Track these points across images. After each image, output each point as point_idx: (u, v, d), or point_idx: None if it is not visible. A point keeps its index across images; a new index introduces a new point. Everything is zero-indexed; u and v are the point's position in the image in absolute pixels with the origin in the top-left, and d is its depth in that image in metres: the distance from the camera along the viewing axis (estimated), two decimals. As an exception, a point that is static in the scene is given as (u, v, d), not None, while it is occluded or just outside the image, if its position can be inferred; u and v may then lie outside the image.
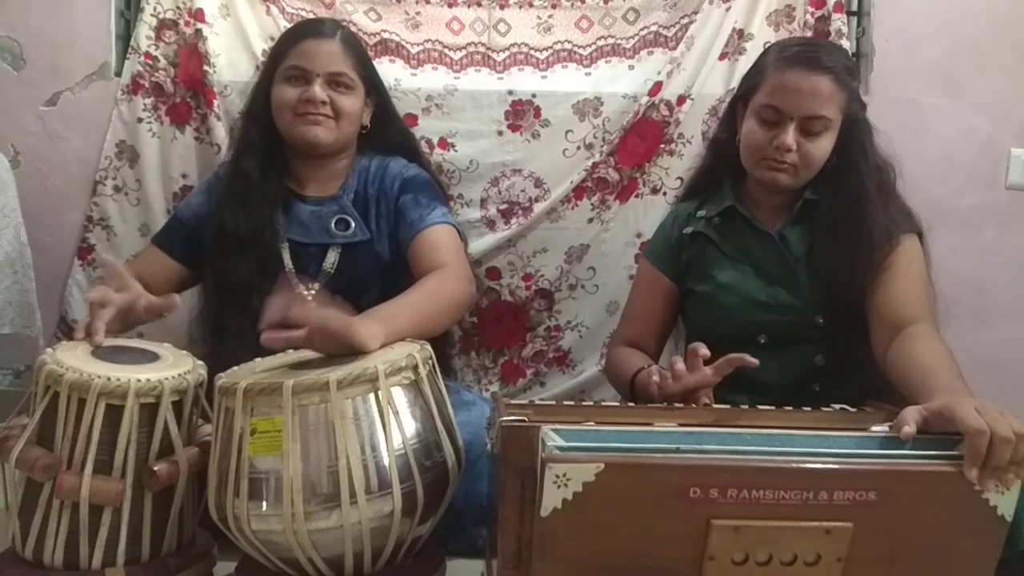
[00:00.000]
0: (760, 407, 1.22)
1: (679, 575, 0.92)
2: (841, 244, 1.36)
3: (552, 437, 0.93)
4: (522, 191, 1.98)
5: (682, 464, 0.91)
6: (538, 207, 1.97)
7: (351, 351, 1.17)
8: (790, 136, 1.35)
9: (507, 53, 2.01)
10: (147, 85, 1.97)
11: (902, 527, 0.91)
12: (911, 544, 0.92)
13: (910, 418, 0.96)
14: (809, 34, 1.93)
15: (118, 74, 1.99)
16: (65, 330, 1.97)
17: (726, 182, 1.51)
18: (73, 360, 1.17)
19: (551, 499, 0.89)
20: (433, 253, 1.49)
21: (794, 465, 0.91)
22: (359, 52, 1.61)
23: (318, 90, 1.53)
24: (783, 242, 1.43)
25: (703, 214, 1.51)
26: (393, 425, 1.10)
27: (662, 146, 1.98)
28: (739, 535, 0.90)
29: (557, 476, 0.88)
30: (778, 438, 0.98)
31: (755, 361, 1.21)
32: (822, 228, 1.40)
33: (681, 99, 1.95)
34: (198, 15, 1.94)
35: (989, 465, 0.90)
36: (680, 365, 1.24)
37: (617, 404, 1.37)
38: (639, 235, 2.00)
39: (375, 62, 1.70)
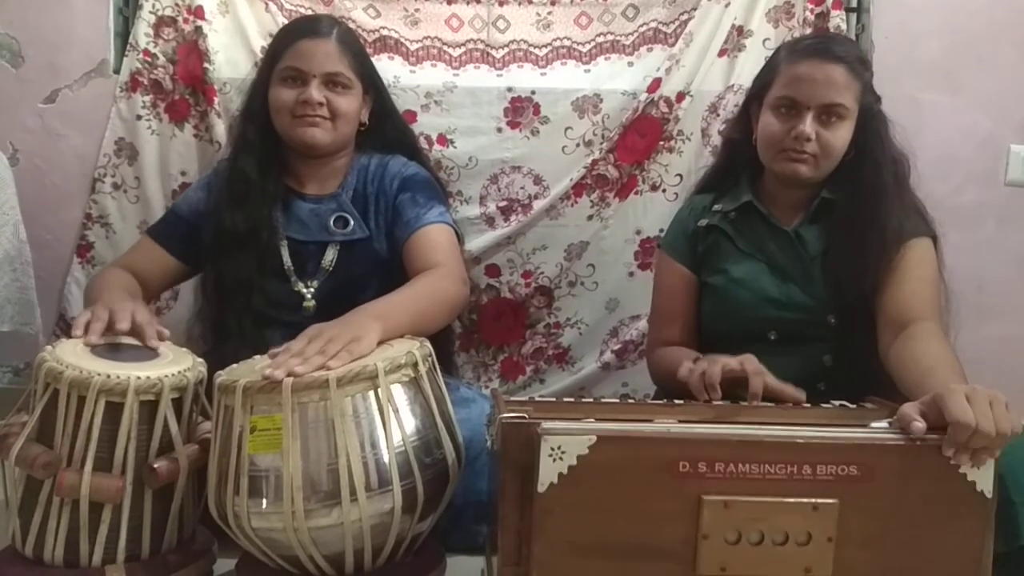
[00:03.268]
0: (760, 403, 1.22)
1: (674, 555, 0.94)
2: (855, 240, 1.36)
3: (552, 433, 0.94)
4: (521, 188, 1.98)
5: (671, 437, 0.95)
6: (537, 204, 1.97)
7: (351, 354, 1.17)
8: (808, 124, 1.35)
9: (506, 50, 2.01)
10: (146, 82, 1.97)
11: (886, 505, 0.95)
12: (898, 525, 0.95)
13: (914, 414, 0.97)
14: (808, 31, 1.93)
15: (117, 71, 1.98)
16: (64, 327, 1.97)
17: (744, 178, 1.50)
18: (73, 357, 1.17)
19: (547, 473, 0.92)
20: (428, 252, 1.49)
21: (777, 438, 0.95)
22: (356, 50, 1.61)
23: (315, 92, 1.52)
24: (799, 240, 1.43)
25: (719, 208, 1.51)
26: (393, 422, 1.10)
27: (661, 143, 1.98)
28: (729, 511, 0.93)
29: (552, 449, 0.92)
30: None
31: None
32: (838, 226, 1.40)
33: (680, 96, 1.95)
34: (197, 12, 1.93)
35: (965, 446, 0.94)
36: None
37: (617, 401, 1.37)
38: (638, 232, 2.00)
39: (374, 59, 1.69)
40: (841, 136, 1.37)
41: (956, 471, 0.94)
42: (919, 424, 0.95)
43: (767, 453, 0.94)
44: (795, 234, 1.43)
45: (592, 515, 0.93)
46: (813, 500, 0.93)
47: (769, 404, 1.21)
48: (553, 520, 0.93)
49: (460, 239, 1.61)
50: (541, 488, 0.92)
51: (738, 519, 0.93)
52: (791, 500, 0.93)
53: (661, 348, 1.52)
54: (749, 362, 1.25)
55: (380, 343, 1.22)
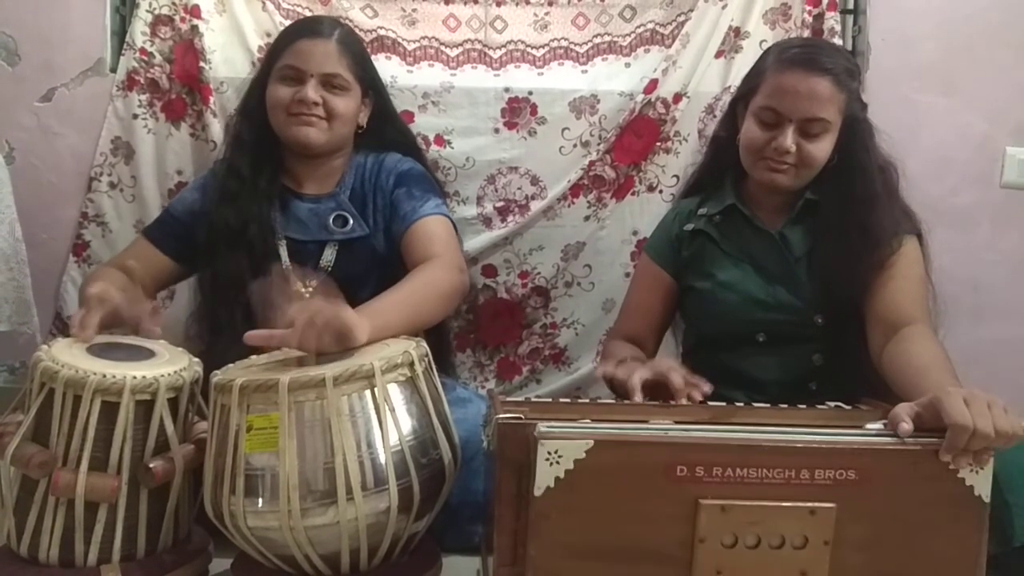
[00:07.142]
0: (755, 404, 1.22)
1: (670, 558, 0.94)
2: (843, 244, 1.36)
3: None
4: (519, 189, 1.98)
5: (668, 441, 0.94)
6: (535, 205, 1.97)
7: (339, 342, 1.17)
8: (788, 139, 1.35)
9: (503, 50, 2.01)
10: (142, 81, 1.97)
11: (883, 509, 0.95)
12: (895, 529, 0.95)
13: (904, 415, 0.97)
14: (806, 32, 1.93)
15: (113, 70, 1.98)
16: (60, 327, 1.97)
17: (727, 180, 1.50)
18: (68, 357, 1.17)
19: (544, 477, 0.92)
20: (425, 244, 1.50)
21: (776, 442, 0.94)
22: (356, 52, 1.61)
23: (311, 91, 1.52)
24: (783, 241, 1.43)
25: (704, 212, 1.51)
26: (389, 422, 1.10)
27: (658, 144, 1.98)
28: (726, 515, 0.93)
29: (549, 453, 0.91)
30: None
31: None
32: (824, 228, 1.40)
33: (677, 97, 1.95)
34: (194, 11, 1.93)
35: (965, 450, 0.94)
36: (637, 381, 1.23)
37: (613, 402, 1.37)
38: (635, 233, 2.00)
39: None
40: (822, 148, 1.37)
41: (955, 475, 0.94)
42: (906, 426, 0.96)
43: (765, 457, 0.93)
44: (779, 235, 1.43)
45: (588, 518, 0.93)
46: (811, 504, 0.93)
47: (765, 405, 1.21)
48: (549, 524, 0.92)
49: (457, 231, 1.61)
50: (538, 492, 0.92)
51: (735, 523, 0.93)
52: (788, 504, 0.93)
53: (616, 340, 1.54)
54: (660, 363, 1.25)
55: (372, 342, 1.22)
